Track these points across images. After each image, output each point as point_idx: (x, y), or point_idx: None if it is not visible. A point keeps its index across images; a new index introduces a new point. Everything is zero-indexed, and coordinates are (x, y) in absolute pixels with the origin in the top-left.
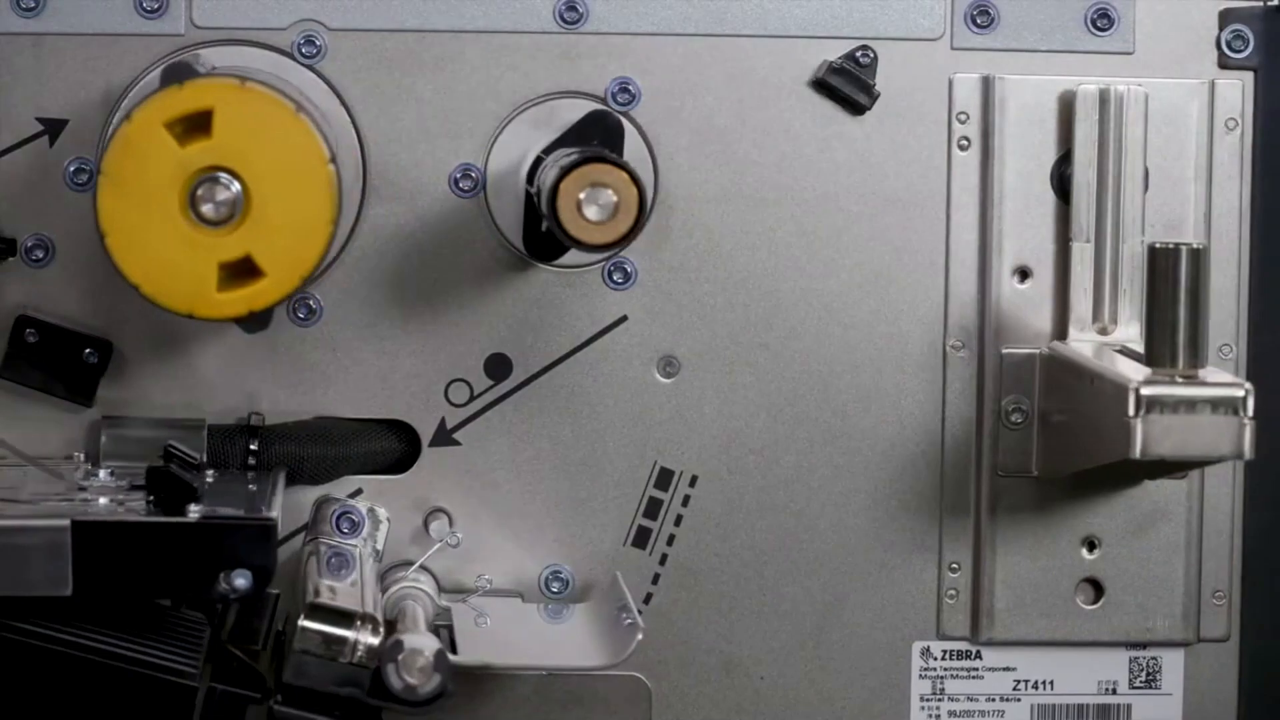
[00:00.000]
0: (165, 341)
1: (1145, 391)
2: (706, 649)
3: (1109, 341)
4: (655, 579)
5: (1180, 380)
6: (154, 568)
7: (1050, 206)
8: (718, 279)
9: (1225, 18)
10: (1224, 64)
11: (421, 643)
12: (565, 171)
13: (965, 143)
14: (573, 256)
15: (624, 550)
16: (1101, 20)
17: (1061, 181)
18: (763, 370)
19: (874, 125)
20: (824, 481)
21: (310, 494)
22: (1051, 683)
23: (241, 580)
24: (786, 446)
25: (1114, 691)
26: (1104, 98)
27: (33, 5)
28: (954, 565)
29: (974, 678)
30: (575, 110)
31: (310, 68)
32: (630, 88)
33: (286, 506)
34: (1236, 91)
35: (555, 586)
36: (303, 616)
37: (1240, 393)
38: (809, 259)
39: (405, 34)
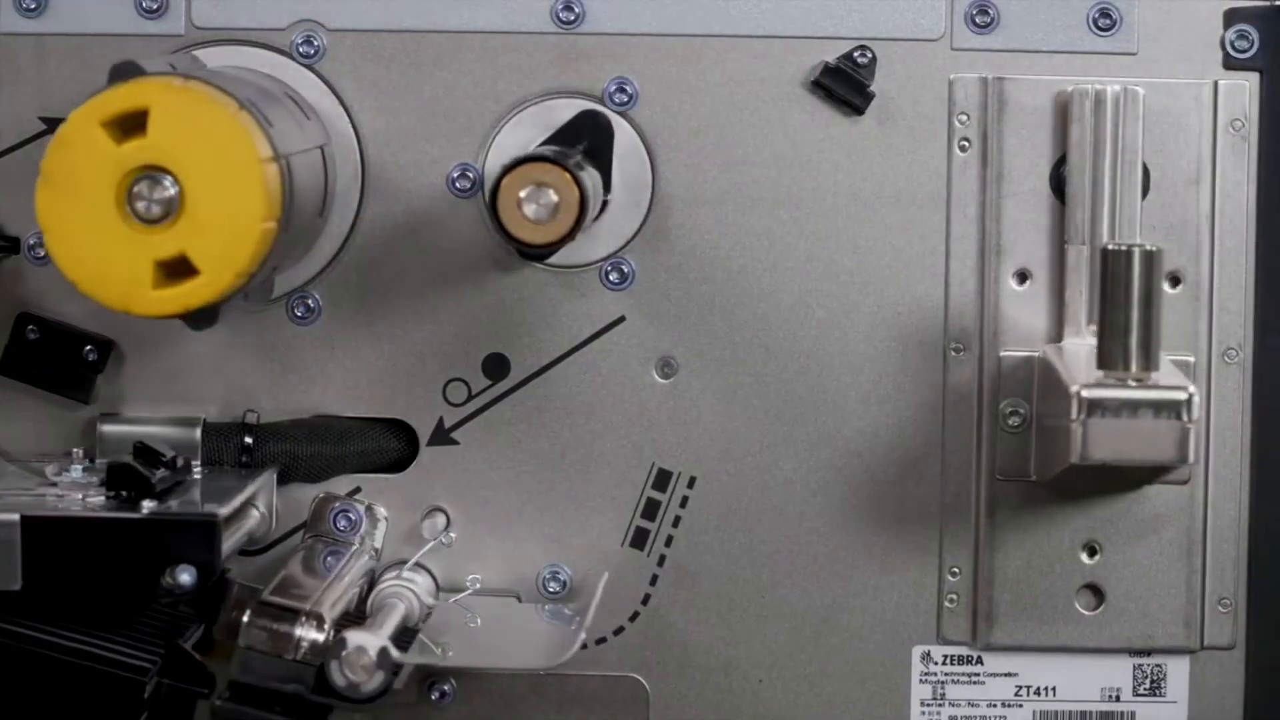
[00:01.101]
0: (165, 340)
1: (1086, 394)
2: (705, 651)
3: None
4: (653, 580)
5: (1125, 383)
6: (99, 563)
7: (1050, 208)
8: (716, 280)
9: (1230, 18)
10: (1229, 64)
11: (365, 640)
12: (506, 170)
13: (965, 144)
14: (565, 256)
15: (622, 551)
16: (1103, 20)
17: (1060, 183)
18: (761, 371)
19: (873, 126)
20: (823, 483)
21: (310, 492)
22: (1054, 689)
23: (186, 576)
24: (785, 448)
25: (1117, 698)
26: (1099, 98)
27: (34, 6)
28: (954, 570)
29: (975, 683)
30: (572, 110)
31: (309, 68)
32: (628, 88)
33: (288, 504)
34: (1242, 92)
35: (553, 587)
36: (248, 613)
37: (1183, 396)
38: (807, 260)
39: (403, 34)
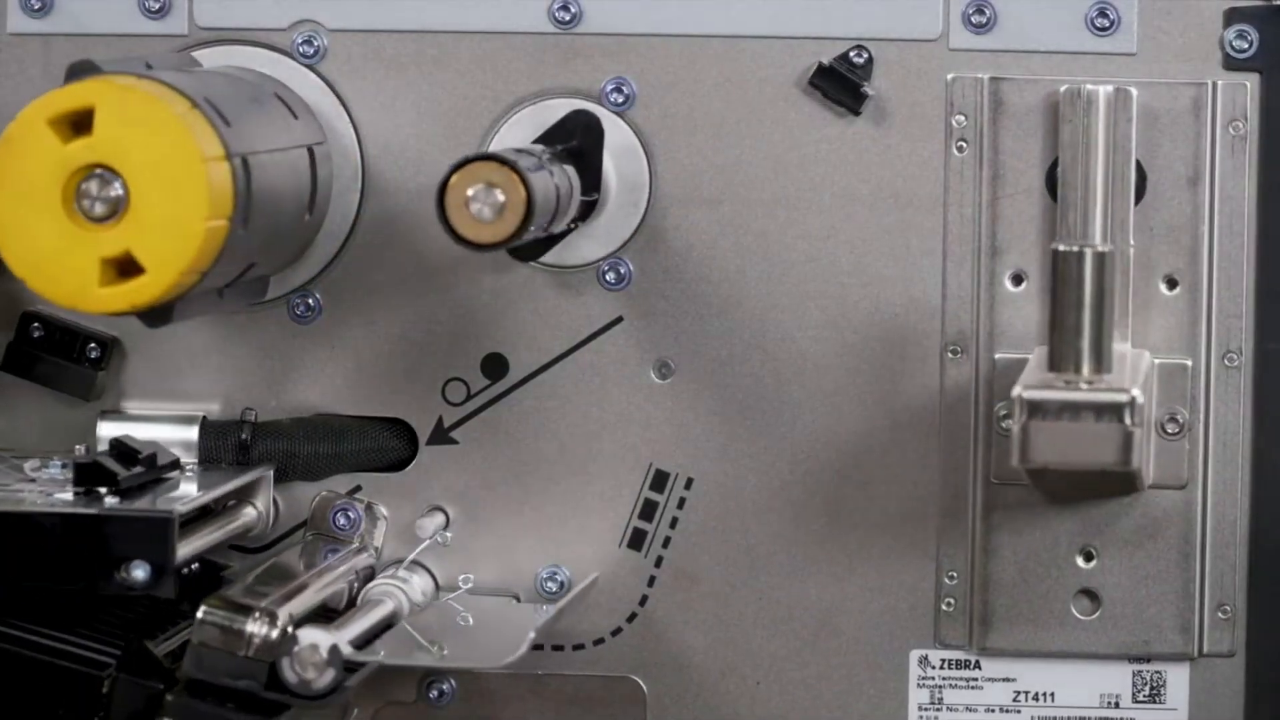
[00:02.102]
0: (168, 338)
1: (1027, 396)
2: (702, 653)
3: None
4: (651, 581)
5: (1068, 386)
6: (52, 558)
7: (1046, 210)
8: (713, 280)
9: (1230, 18)
10: (1228, 65)
11: (317, 637)
12: (454, 168)
13: (963, 145)
14: (563, 257)
15: (620, 552)
16: (1101, 20)
17: (1055, 184)
18: (758, 372)
19: (871, 126)
20: (819, 485)
21: (313, 490)
22: (1052, 694)
23: (140, 573)
24: (782, 449)
25: (1116, 705)
26: (1090, 99)
27: (39, 6)
28: (951, 574)
29: (973, 688)
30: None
31: (310, 68)
32: (625, 88)
33: (293, 502)
34: (1241, 93)
35: (551, 587)
36: (201, 609)
37: (1124, 398)
38: (805, 261)
39: (403, 34)
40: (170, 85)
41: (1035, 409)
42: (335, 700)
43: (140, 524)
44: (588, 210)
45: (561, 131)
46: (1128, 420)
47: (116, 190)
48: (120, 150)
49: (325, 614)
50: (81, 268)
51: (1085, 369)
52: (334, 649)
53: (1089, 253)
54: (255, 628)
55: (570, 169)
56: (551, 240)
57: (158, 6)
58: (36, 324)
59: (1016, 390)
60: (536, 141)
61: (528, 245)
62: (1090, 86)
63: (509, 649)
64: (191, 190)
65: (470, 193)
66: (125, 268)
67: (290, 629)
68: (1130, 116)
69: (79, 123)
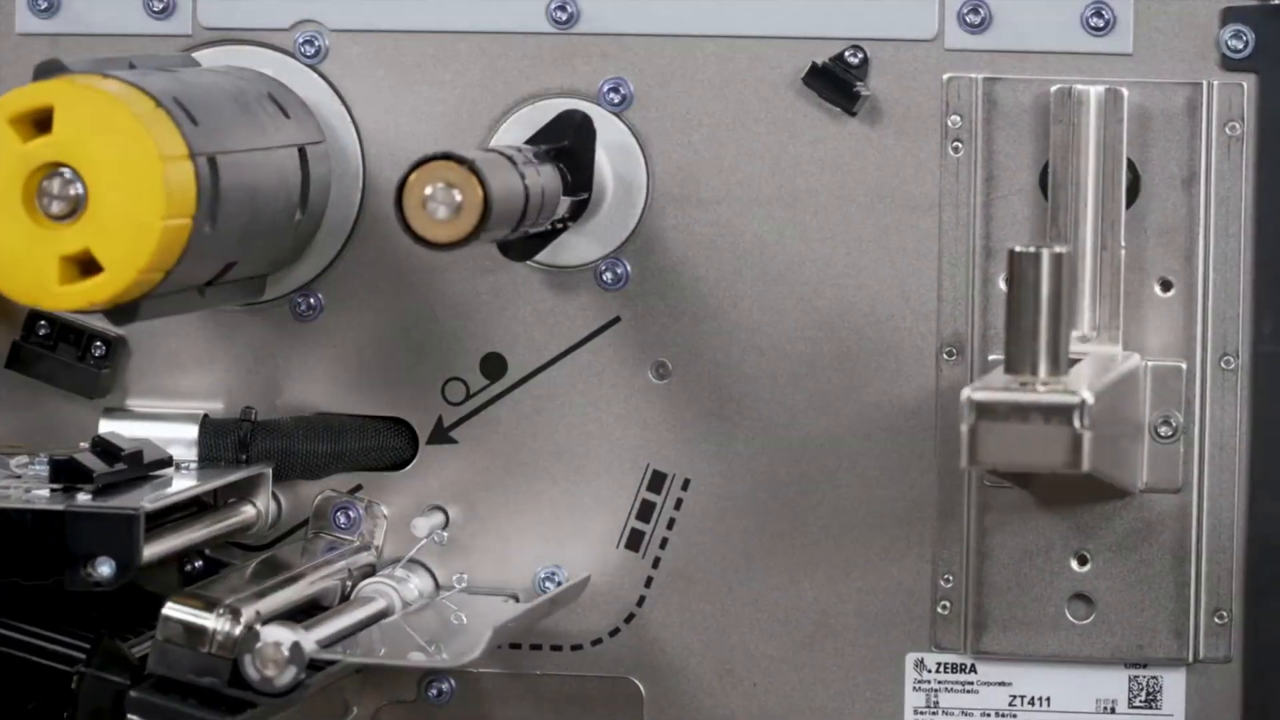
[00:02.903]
0: (173, 336)
1: (976, 398)
2: (699, 654)
3: (1084, 350)
4: (648, 582)
5: (1022, 388)
6: (22, 553)
7: (1041, 211)
8: (710, 281)
9: (1226, 17)
10: (1225, 65)
11: (278, 634)
12: (413, 167)
13: (958, 145)
14: (560, 257)
15: (617, 553)
16: (1096, 20)
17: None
18: (754, 373)
19: (867, 127)
20: (816, 487)
21: (316, 489)
22: (1048, 699)
23: (105, 569)
24: (779, 451)
25: (1113, 710)
26: (1080, 99)
27: (46, 6)
28: (947, 576)
29: (969, 691)
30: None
31: (312, 68)
32: (622, 89)
33: (298, 501)
34: (1238, 93)
35: (549, 587)
36: (165, 606)
37: (1074, 400)
38: (801, 262)
39: (404, 34)
40: (134, 85)
41: (984, 410)
42: (296, 698)
43: (105, 521)
44: (579, 209)
45: (553, 131)
46: (1077, 423)
47: (76, 189)
48: (78, 149)
49: (312, 611)
50: (42, 265)
51: (1042, 371)
52: (295, 646)
53: (1045, 254)
54: (218, 624)
55: (551, 168)
56: (543, 239)
57: (161, 7)
58: (43, 322)
59: (965, 392)
60: (528, 142)
61: (518, 245)
62: (1080, 87)
63: (470, 648)
64: (147, 189)
65: (428, 192)
66: (86, 265)
67: (256, 626)
68: (1121, 117)
69: (40, 121)
